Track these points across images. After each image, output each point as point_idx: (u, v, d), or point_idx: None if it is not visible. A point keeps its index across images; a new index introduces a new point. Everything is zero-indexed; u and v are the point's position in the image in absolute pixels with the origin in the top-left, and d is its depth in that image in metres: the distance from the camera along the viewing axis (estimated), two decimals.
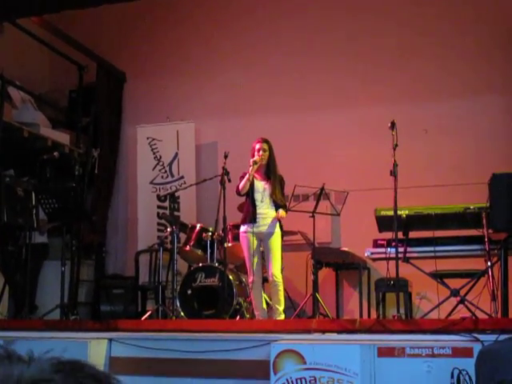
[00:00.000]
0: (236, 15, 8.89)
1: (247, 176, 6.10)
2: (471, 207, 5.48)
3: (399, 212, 5.43)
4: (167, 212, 8.18)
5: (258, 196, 6.16)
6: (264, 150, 6.21)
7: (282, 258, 6.15)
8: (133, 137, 8.93)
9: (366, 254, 6.06)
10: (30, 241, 6.65)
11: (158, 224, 8.39)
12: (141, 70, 9.21)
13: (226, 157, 6.29)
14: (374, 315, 6.79)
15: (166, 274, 7.28)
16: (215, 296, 6.32)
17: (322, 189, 6.49)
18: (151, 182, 8.65)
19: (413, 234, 5.74)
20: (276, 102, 8.48)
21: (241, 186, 6.13)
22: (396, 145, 5.35)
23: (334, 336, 4.94)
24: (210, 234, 6.72)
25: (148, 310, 6.86)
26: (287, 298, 6.47)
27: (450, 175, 7.52)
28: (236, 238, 6.38)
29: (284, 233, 6.27)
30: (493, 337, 4.30)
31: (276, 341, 4.80)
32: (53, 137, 8.13)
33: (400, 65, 8.10)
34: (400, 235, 5.50)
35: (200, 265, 6.66)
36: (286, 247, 6.43)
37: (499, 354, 3.10)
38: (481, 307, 5.10)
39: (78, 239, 7.96)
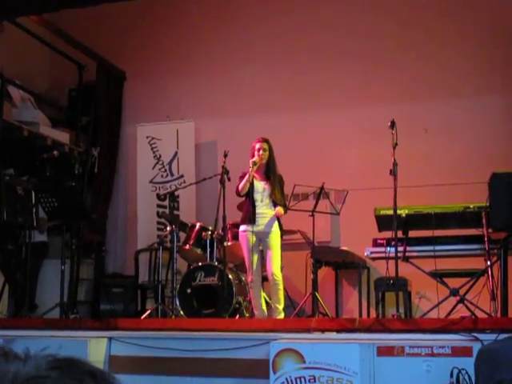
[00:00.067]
0: (236, 14, 8.89)
1: (247, 177, 6.09)
2: (471, 206, 5.49)
3: (399, 211, 5.43)
4: (167, 211, 8.19)
5: (257, 196, 6.16)
6: (264, 150, 6.21)
7: (281, 257, 6.15)
8: (132, 136, 8.93)
9: (365, 254, 6.06)
10: (29, 239, 6.66)
11: (158, 223, 8.40)
12: (141, 69, 9.21)
13: (225, 156, 6.29)
14: (373, 314, 6.79)
15: (166, 272, 7.28)
16: (215, 295, 6.32)
17: (322, 188, 6.50)
18: (151, 181, 8.66)
19: (412, 234, 5.74)
20: (276, 101, 8.48)
21: (240, 187, 6.12)
22: (396, 144, 5.35)
23: (334, 335, 4.95)
24: (210, 233, 6.72)
25: (148, 309, 6.87)
26: (287, 297, 6.47)
27: (450, 174, 7.52)
28: (235, 237, 6.38)
29: (283, 232, 6.27)
30: (492, 336, 4.30)
31: (275, 340, 4.80)
32: (53, 136, 8.13)
33: (400, 64, 8.10)
34: (400, 234, 5.50)
35: (199, 264, 6.66)
36: (285, 246, 6.43)
37: (498, 353, 3.10)
38: (480, 306, 5.11)
39: (77, 238, 7.96)
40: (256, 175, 6.20)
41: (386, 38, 8.16)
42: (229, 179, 6.21)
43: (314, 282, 6.33)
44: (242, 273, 6.71)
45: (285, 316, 6.09)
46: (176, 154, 8.62)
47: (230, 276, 6.37)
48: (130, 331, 5.43)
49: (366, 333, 4.78)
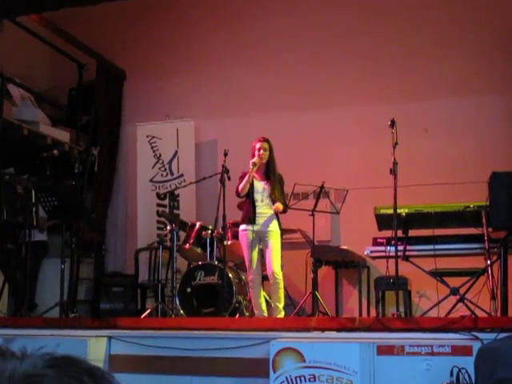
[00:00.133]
0: (235, 13, 8.89)
1: (246, 178, 6.08)
2: (471, 206, 5.48)
3: (399, 210, 5.42)
4: (167, 210, 8.19)
5: (257, 196, 6.16)
6: (264, 150, 6.20)
7: (281, 256, 6.14)
8: (132, 135, 8.93)
9: (365, 253, 6.06)
10: (29, 239, 6.66)
11: (158, 222, 8.40)
12: (141, 68, 9.21)
13: (225, 155, 6.28)
14: (373, 313, 6.79)
15: (166, 272, 7.29)
16: (215, 294, 6.33)
17: (322, 187, 6.50)
18: (151, 180, 8.66)
19: (412, 233, 5.74)
20: (276, 100, 8.48)
21: (240, 188, 6.12)
22: (396, 143, 5.34)
23: (334, 334, 4.94)
24: (210, 232, 6.73)
25: (147, 308, 6.87)
26: (287, 296, 6.47)
27: (450, 174, 7.53)
28: (235, 236, 6.38)
29: (283, 231, 6.27)
30: (492, 335, 4.30)
31: (275, 339, 4.80)
32: (52, 135, 8.13)
33: (400, 64, 8.10)
34: (400, 233, 5.50)
35: (199, 263, 6.66)
36: (285, 245, 6.43)
37: (498, 352, 3.09)
38: (480, 305, 5.10)
39: (77, 237, 7.96)
40: (256, 175, 6.20)
41: (386, 38, 8.16)
42: (229, 178, 6.21)
43: (314, 281, 6.33)
44: (242, 272, 6.71)
45: (285, 315, 6.09)
46: (176, 153, 8.62)
47: (230, 275, 6.37)
48: (129, 330, 5.43)
49: (366, 332, 4.78)
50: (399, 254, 5.35)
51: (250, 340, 4.93)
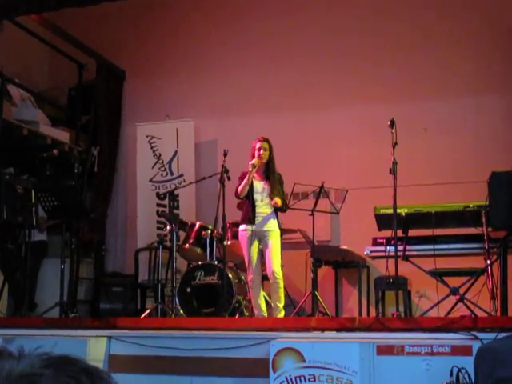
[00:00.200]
0: (235, 13, 8.89)
1: (245, 180, 6.07)
2: (470, 205, 5.48)
3: (398, 210, 5.42)
4: (166, 210, 8.18)
5: (257, 196, 6.15)
6: (264, 149, 6.20)
7: (281, 256, 6.14)
8: (132, 135, 8.93)
9: (365, 252, 6.06)
10: (29, 239, 6.66)
11: (158, 222, 8.40)
12: (140, 69, 9.21)
13: (225, 155, 6.29)
14: (373, 313, 6.80)
15: (166, 272, 7.29)
16: (214, 294, 6.33)
17: (322, 187, 6.50)
18: (151, 180, 8.66)
19: (412, 232, 5.73)
20: (275, 100, 8.48)
21: (240, 190, 6.11)
22: (395, 143, 5.34)
23: (334, 334, 4.94)
24: (210, 232, 6.73)
25: (147, 308, 6.86)
26: (286, 296, 6.47)
27: (450, 173, 7.53)
28: (235, 236, 6.37)
29: (283, 231, 6.27)
30: (492, 335, 4.30)
31: (275, 339, 4.80)
32: (52, 135, 8.14)
33: (400, 64, 8.10)
34: (399, 233, 5.50)
35: (199, 263, 6.66)
36: (285, 245, 6.43)
37: (498, 351, 3.09)
38: (480, 305, 5.10)
39: (77, 237, 7.96)
40: (255, 175, 6.19)
41: (385, 38, 8.16)
42: (228, 178, 6.21)
43: (314, 281, 6.33)
44: (241, 272, 6.71)
45: (285, 315, 6.09)
46: (176, 153, 8.62)
47: (230, 275, 6.37)
48: (129, 330, 5.43)
49: (366, 332, 4.78)
50: (399, 253, 5.35)
51: (249, 340, 4.92)
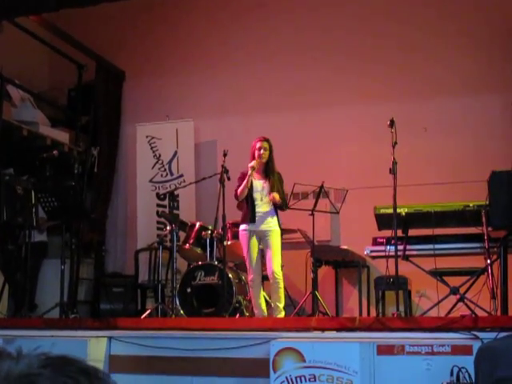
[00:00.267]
0: (235, 13, 8.89)
1: (245, 182, 6.06)
2: (470, 205, 5.48)
3: (398, 210, 5.42)
4: (167, 210, 8.18)
5: (257, 195, 6.16)
6: (265, 149, 6.20)
7: (281, 256, 6.14)
8: (132, 135, 8.93)
9: (365, 252, 6.06)
10: (29, 239, 6.66)
11: (158, 222, 8.40)
12: (140, 69, 9.21)
13: (225, 155, 6.29)
14: (373, 313, 6.80)
15: (166, 272, 7.29)
16: (215, 294, 6.33)
17: (322, 187, 6.50)
18: (150, 181, 8.66)
19: (412, 232, 5.73)
20: (275, 100, 8.48)
21: (239, 192, 6.11)
22: (395, 143, 5.35)
23: (334, 334, 4.94)
24: (210, 232, 6.72)
25: (147, 309, 6.87)
26: (287, 296, 6.47)
27: (450, 173, 7.53)
28: (235, 236, 6.37)
29: (283, 231, 6.27)
30: (492, 334, 4.30)
31: (275, 339, 4.80)
32: (52, 135, 8.14)
33: (400, 63, 8.10)
34: (399, 233, 5.50)
35: (199, 263, 6.66)
36: (285, 245, 6.43)
37: (498, 351, 3.10)
38: (480, 305, 5.10)
39: (77, 238, 7.96)
40: (255, 174, 6.19)
41: (385, 38, 8.17)
42: (228, 178, 6.21)
43: (314, 280, 6.33)
44: (241, 272, 6.71)
45: (285, 315, 6.09)
46: (175, 153, 8.62)
47: (230, 275, 6.37)
48: (129, 331, 5.42)
49: (366, 331, 4.78)
50: (399, 253, 5.35)
51: (250, 340, 4.92)
